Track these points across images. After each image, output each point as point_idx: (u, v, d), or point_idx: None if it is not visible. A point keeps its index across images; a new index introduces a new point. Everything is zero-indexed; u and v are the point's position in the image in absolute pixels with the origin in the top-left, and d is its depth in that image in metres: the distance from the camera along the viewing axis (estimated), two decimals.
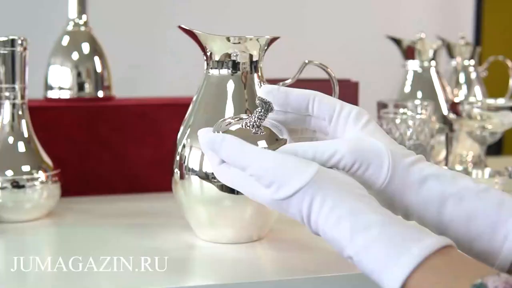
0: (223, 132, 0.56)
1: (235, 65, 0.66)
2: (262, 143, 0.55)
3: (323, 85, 0.81)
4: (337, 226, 0.47)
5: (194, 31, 0.65)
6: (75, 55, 0.96)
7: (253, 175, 0.51)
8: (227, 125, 0.57)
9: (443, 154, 1.03)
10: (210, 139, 0.53)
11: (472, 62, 1.23)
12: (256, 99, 0.56)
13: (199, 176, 0.65)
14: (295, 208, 0.50)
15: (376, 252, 0.45)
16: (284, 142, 0.56)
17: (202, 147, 0.56)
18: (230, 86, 0.66)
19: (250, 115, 0.57)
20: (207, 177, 0.64)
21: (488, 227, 0.50)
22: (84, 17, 0.98)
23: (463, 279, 0.42)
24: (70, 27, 0.98)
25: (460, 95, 1.22)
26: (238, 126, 0.57)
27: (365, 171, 0.52)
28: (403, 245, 0.45)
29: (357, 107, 0.56)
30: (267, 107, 0.55)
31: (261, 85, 0.67)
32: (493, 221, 0.50)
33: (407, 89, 1.09)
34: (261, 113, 0.56)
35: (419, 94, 1.08)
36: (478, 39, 1.96)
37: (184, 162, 0.66)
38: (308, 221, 0.50)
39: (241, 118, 0.58)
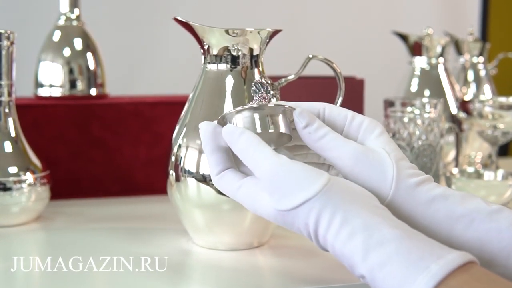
0: (230, 118, 0.52)
1: (234, 59, 0.63)
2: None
3: (327, 83, 0.78)
4: (349, 242, 0.44)
5: (191, 23, 0.62)
6: (66, 51, 0.93)
7: (261, 177, 0.48)
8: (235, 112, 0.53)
9: (451, 155, 0.99)
10: (228, 129, 0.50)
11: (481, 59, 1.20)
12: (253, 84, 0.53)
13: (196, 178, 0.62)
14: (301, 221, 0.47)
15: (392, 270, 0.42)
16: (291, 110, 0.52)
17: (204, 146, 0.52)
18: (229, 81, 0.63)
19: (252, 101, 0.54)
20: (204, 179, 0.61)
21: (502, 250, 0.48)
22: (76, 11, 0.95)
23: None
24: (61, 22, 0.95)
25: (468, 94, 1.18)
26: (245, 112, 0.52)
27: (365, 181, 0.49)
28: (421, 262, 0.41)
29: (369, 118, 0.54)
30: (267, 86, 0.52)
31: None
32: (508, 243, 0.47)
33: (414, 86, 1.06)
34: (263, 93, 0.52)
35: (427, 92, 1.04)
36: (484, 35, 1.92)
37: (180, 163, 0.63)
38: (315, 236, 0.47)
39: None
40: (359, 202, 0.46)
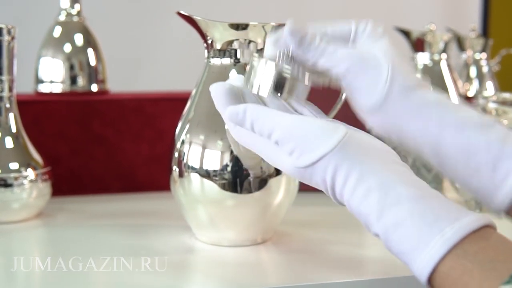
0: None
1: (238, 54, 0.61)
2: None
3: None
4: (364, 200, 0.44)
5: (194, 17, 0.62)
6: (67, 47, 0.93)
7: (278, 140, 0.47)
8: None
9: None
10: (232, 112, 0.50)
11: (484, 55, 1.19)
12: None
13: (199, 174, 0.61)
14: (319, 177, 0.46)
15: (406, 232, 0.41)
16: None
17: (217, 103, 0.51)
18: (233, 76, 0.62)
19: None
20: (208, 175, 0.60)
21: (489, 162, 0.47)
22: (77, 6, 0.95)
23: (501, 266, 0.38)
24: (62, 17, 0.94)
25: (471, 90, 1.17)
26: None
27: (359, 86, 0.49)
28: (435, 224, 0.41)
29: (374, 22, 0.53)
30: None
31: None
32: (494, 156, 0.47)
33: None
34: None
35: None
36: (486, 32, 1.92)
37: (183, 159, 0.62)
38: (332, 193, 0.46)
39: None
40: (376, 157, 0.45)
